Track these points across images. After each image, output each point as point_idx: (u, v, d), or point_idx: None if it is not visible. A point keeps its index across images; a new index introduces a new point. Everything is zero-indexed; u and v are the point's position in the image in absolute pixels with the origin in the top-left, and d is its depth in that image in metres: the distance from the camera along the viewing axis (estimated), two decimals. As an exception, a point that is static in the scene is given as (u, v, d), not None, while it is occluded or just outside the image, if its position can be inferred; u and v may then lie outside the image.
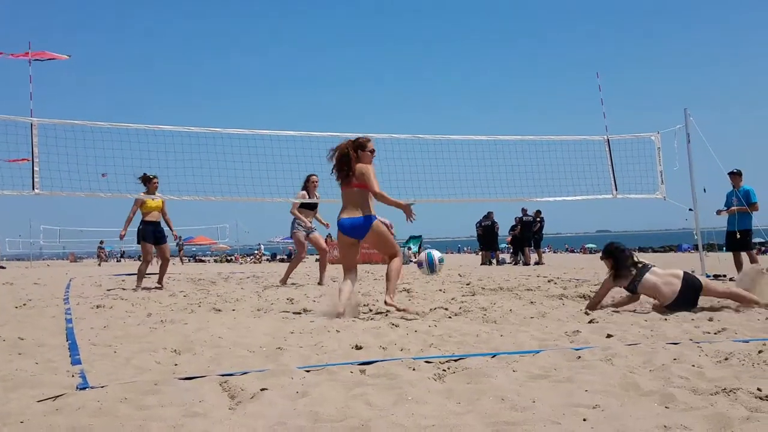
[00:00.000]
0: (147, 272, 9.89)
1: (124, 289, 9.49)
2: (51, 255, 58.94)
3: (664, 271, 5.46)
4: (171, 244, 12.47)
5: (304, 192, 9.51)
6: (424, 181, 9.40)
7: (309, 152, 9.34)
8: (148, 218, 9.57)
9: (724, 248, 10.92)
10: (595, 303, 5.63)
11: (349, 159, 5.68)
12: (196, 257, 50.44)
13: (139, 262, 10.12)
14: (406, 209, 5.72)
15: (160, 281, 9.81)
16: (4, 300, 7.52)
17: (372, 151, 5.81)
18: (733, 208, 9.84)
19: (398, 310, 5.45)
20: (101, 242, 40.57)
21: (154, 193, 9.47)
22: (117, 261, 43.59)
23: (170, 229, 9.92)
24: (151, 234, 9.57)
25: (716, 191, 10.38)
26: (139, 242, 9.70)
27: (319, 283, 9.61)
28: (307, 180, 9.49)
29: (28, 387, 2.80)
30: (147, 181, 9.41)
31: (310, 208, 9.74)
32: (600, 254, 5.93)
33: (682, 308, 5.20)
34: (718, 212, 10.14)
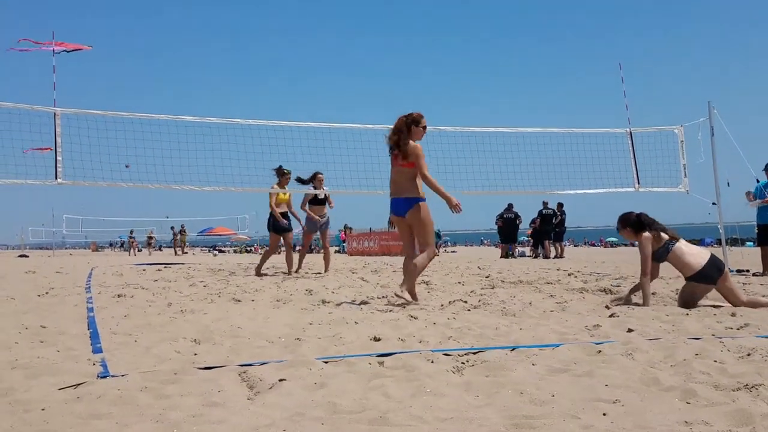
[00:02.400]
0: (170, 262, 10.17)
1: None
2: (73, 244, 59.74)
3: (694, 247, 5.70)
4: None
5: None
6: (445, 173, 9.38)
7: (329, 143, 9.39)
8: (279, 209, 10.18)
9: (755, 243, 10.73)
10: (645, 269, 5.44)
11: (401, 136, 5.70)
12: (216, 247, 50.75)
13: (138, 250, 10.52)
14: (450, 201, 5.66)
15: (297, 268, 10.55)
16: (27, 288, 7.62)
17: (425, 128, 5.85)
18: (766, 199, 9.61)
19: (403, 300, 5.40)
20: (131, 231, 40.82)
21: (284, 187, 10.07)
22: (139, 251, 44.07)
23: (297, 219, 10.59)
24: (281, 225, 10.20)
25: (740, 185, 10.22)
26: (270, 231, 10.39)
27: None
28: (314, 177, 10.09)
29: (49, 375, 2.82)
30: (282, 174, 9.97)
31: (320, 203, 10.46)
32: (617, 226, 5.77)
33: (703, 283, 5.31)
34: (753, 200, 9.91)
